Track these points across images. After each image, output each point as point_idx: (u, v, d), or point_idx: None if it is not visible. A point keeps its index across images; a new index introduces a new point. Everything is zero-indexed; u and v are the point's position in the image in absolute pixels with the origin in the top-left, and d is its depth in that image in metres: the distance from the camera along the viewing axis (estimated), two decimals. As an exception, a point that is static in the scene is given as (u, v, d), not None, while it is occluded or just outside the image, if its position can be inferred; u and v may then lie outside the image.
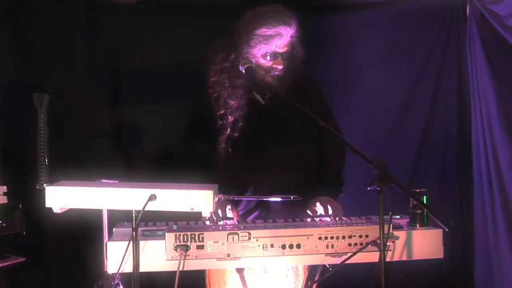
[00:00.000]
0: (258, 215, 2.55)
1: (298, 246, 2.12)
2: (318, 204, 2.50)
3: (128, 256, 1.99)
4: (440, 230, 2.22)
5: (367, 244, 2.12)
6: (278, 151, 2.55)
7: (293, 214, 2.51)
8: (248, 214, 2.56)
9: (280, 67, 2.49)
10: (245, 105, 2.53)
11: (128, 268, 2.02)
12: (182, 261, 2.04)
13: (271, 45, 2.45)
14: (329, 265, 2.19)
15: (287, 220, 2.39)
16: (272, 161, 2.54)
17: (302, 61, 2.60)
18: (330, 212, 2.45)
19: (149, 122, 3.54)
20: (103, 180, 2.12)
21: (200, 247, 2.07)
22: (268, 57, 2.47)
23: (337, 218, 2.41)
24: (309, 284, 2.42)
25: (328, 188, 2.60)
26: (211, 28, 3.42)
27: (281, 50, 2.48)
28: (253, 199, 2.51)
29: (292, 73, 2.53)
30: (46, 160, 2.08)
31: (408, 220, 2.34)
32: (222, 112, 2.54)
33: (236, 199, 2.44)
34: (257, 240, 2.10)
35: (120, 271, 2.03)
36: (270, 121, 2.53)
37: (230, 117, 2.53)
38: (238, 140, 2.52)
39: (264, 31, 2.45)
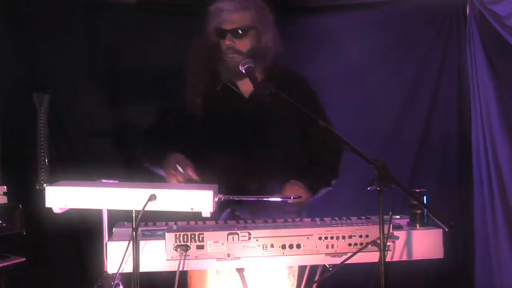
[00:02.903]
0: (230, 211, 2.54)
1: (298, 246, 2.12)
2: (286, 187, 2.47)
3: (128, 256, 1.99)
4: (440, 230, 2.22)
5: (367, 244, 2.12)
6: (263, 148, 2.54)
7: (267, 212, 2.48)
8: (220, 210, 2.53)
9: (228, 42, 2.50)
10: (205, 84, 2.57)
11: (128, 268, 2.02)
12: (182, 261, 2.04)
13: (217, 20, 2.51)
14: (329, 265, 2.19)
15: (287, 220, 2.38)
16: (257, 159, 2.52)
17: (270, 49, 2.58)
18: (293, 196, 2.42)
19: (149, 122, 3.53)
20: (103, 180, 2.12)
21: (200, 247, 2.07)
22: (216, 34, 2.52)
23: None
24: (309, 284, 2.42)
25: (308, 175, 2.56)
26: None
27: (227, 27, 2.50)
28: (253, 199, 2.50)
29: (253, 59, 2.48)
30: (46, 160, 2.08)
31: (408, 220, 2.34)
32: (189, 92, 2.58)
33: (236, 199, 2.44)
34: (257, 240, 2.10)
35: (120, 271, 2.03)
36: (254, 117, 2.54)
37: (193, 97, 2.56)
38: (218, 134, 2.53)
39: (213, 6, 2.53)
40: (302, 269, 2.43)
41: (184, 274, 2.45)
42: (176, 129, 2.61)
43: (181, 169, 2.38)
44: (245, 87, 2.61)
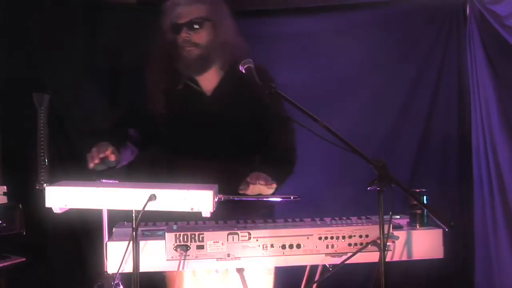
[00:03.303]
0: None
1: (298, 246, 2.12)
2: (251, 175, 2.42)
3: (128, 256, 1.99)
4: (440, 230, 2.22)
5: (367, 244, 2.12)
6: (226, 146, 2.54)
7: (243, 210, 2.48)
8: None
9: (184, 35, 2.50)
10: (166, 82, 2.58)
11: (128, 268, 2.02)
12: (182, 261, 2.04)
13: (171, 15, 2.52)
14: (329, 265, 2.19)
15: (287, 220, 2.38)
16: (222, 157, 2.51)
17: (228, 42, 2.56)
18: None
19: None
20: (103, 180, 2.12)
21: (200, 247, 2.07)
22: (172, 30, 2.52)
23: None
24: (309, 284, 2.42)
25: (269, 164, 2.53)
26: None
27: (183, 21, 2.50)
28: (253, 199, 2.49)
29: (212, 53, 2.50)
30: (46, 160, 2.09)
31: (408, 220, 2.34)
32: (150, 92, 2.61)
33: (236, 199, 2.43)
34: (257, 240, 2.10)
35: (120, 271, 2.03)
36: (216, 114, 2.54)
37: (154, 96, 2.58)
38: (182, 133, 2.54)
39: (168, 2, 2.54)
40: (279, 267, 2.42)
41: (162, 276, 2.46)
42: (140, 128, 2.62)
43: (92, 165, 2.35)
44: (206, 84, 2.61)
